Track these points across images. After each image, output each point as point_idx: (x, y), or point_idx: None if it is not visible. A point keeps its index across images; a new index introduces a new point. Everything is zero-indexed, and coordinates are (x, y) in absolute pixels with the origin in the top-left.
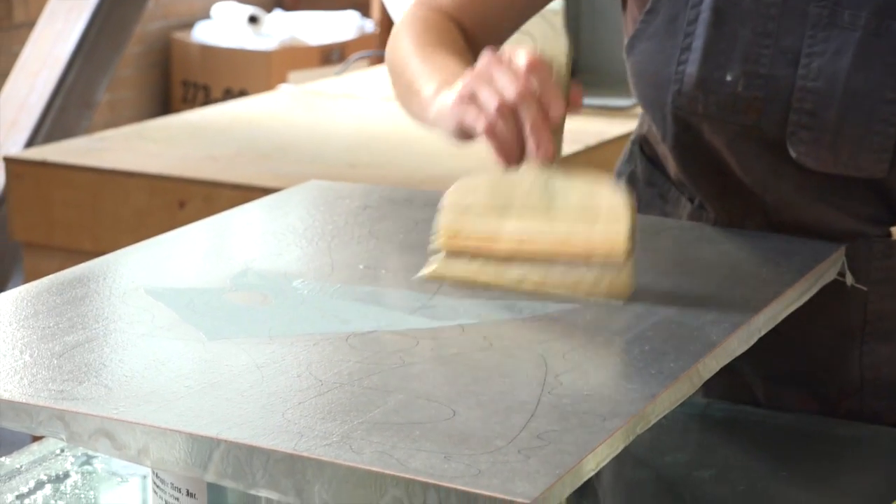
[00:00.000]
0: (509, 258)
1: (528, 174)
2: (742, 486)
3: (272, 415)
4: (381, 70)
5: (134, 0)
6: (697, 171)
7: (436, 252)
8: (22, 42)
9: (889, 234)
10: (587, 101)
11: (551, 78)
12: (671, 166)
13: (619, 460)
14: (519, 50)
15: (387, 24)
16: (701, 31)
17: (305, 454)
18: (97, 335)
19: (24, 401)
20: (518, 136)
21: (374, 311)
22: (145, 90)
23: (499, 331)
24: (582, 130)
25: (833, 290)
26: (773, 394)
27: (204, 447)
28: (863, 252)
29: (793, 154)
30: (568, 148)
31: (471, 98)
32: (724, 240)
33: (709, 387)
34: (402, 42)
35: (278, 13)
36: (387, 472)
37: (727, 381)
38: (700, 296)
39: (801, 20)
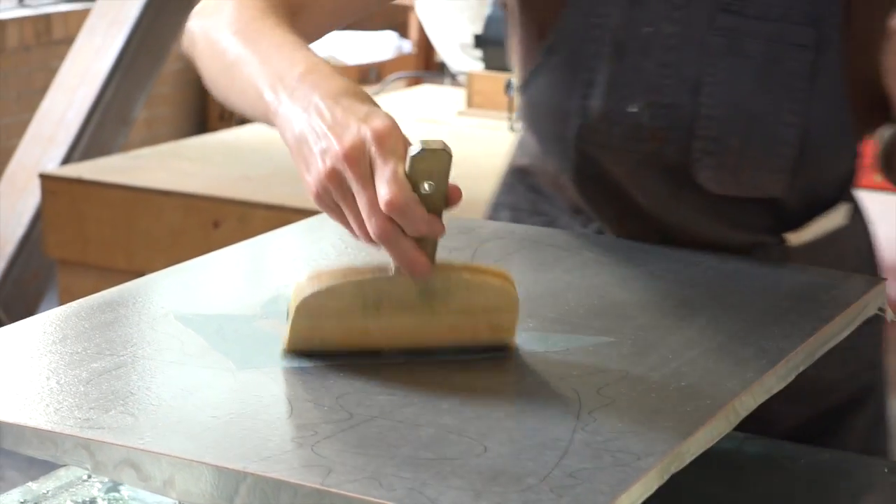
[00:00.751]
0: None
1: (402, 277)
2: None
3: (301, 448)
4: (418, 91)
5: (172, 17)
6: (598, 197)
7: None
8: (61, 58)
9: (783, 241)
10: None
11: (414, 207)
12: (565, 194)
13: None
14: (380, 162)
15: (424, 44)
16: (603, 64)
17: (334, 490)
18: (125, 362)
19: (49, 428)
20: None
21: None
22: (182, 107)
23: (532, 364)
24: None
25: None
26: None
27: (230, 480)
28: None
29: (697, 179)
30: None
31: (331, 205)
32: (761, 274)
33: None
34: (222, 9)
35: None
36: None
37: None
38: (737, 331)
39: (701, 49)
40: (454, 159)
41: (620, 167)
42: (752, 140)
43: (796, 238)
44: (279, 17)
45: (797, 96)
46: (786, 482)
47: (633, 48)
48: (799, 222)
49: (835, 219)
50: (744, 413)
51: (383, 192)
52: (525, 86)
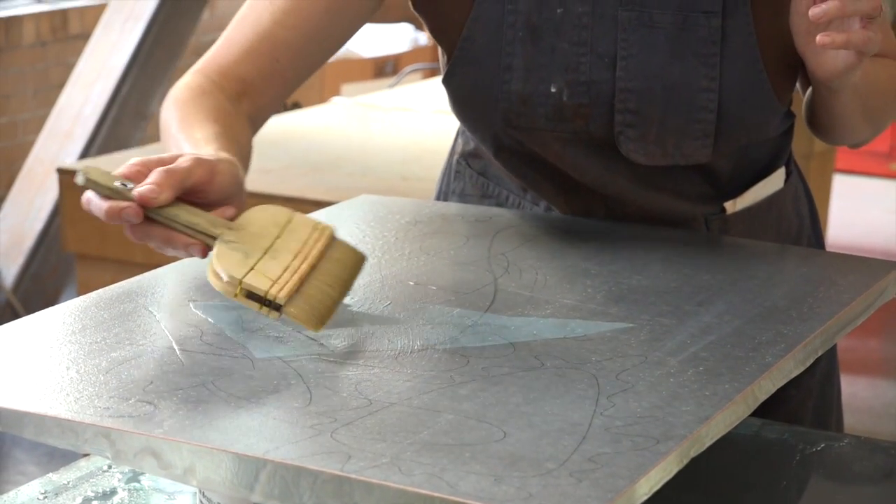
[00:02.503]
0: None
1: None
2: None
3: (320, 435)
4: (434, 82)
5: (189, 11)
6: (535, 178)
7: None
8: (77, 53)
9: (723, 210)
10: None
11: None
12: (509, 175)
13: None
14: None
15: None
16: (519, 49)
17: (354, 476)
18: (144, 351)
19: (69, 418)
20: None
21: (425, 329)
22: None
23: (551, 350)
24: None
25: None
26: None
27: (251, 467)
28: (703, 231)
29: (622, 151)
30: None
31: None
32: (779, 258)
33: None
34: (167, 111)
35: None
36: (436, 494)
37: None
38: (755, 316)
39: (612, 25)
40: None
41: (549, 148)
42: (670, 109)
43: (733, 206)
44: (201, 112)
45: (710, 61)
46: (803, 467)
47: (546, 30)
48: (737, 189)
49: (773, 183)
50: (762, 397)
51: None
52: (448, 77)
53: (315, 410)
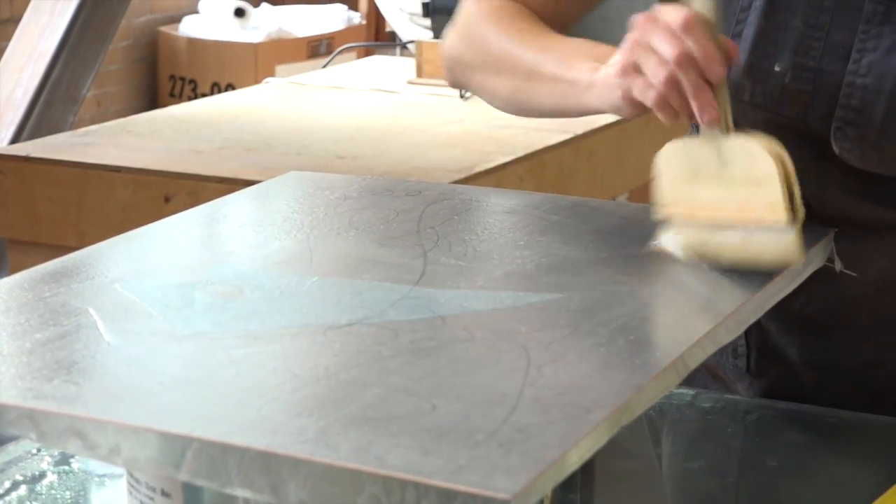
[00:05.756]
0: (708, 225)
1: (704, 140)
2: (730, 478)
3: (246, 411)
4: (367, 62)
5: None
6: None
7: (661, 223)
8: (7, 38)
9: None
10: None
11: (707, 36)
12: None
13: (605, 452)
14: (669, 10)
15: (374, 15)
16: (753, 18)
17: (280, 451)
18: (69, 331)
19: None
20: (686, 104)
21: (353, 304)
22: (132, 85)
23: (480, 322)
24: (570, 120)
25: (878, 283)
26: (820, 385)
27: (176, 445)
28: None
29: (836, 150)
30: (555, 137)
31: (635, 69)
32: None
33: (756, 375)
34: (487, 36)
35: (265, 7)
36: (363, 468)
37: (775, 372)
38: (686, 284)
39: (855, 14)
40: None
41: (761, 128)
42: (893, 115)
43: None
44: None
45: None
46: (737, 436)
47: (784, 5)
48: None
49: None
50: (693, 365)
51: (677, 22)
52: None
53: (241, 386)
